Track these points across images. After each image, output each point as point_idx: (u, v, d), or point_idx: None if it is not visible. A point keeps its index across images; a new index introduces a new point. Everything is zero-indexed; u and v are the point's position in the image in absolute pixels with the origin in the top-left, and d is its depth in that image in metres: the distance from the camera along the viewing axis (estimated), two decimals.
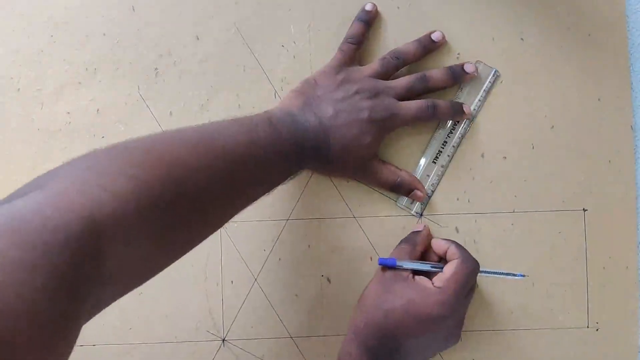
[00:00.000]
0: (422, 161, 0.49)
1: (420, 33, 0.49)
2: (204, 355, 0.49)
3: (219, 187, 0.36)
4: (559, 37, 0.49)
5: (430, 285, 0.41)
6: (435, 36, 0.48)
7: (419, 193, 0.48)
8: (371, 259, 0.49)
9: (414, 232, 0.47)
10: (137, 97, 0.50)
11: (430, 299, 0.40)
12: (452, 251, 0.44)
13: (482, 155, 0.49)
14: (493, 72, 0.49)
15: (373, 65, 0.47)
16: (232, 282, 0.49)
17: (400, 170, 0.48)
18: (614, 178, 0.49)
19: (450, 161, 0.49)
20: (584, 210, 0.49)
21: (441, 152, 0.49)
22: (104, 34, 0.50)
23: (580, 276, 0.49)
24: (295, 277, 0.49)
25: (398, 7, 0.49)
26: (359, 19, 0.48)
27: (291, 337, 0.49)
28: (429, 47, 0.48)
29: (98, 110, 0.50)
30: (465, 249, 0.44)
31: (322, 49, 0.49)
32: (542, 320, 0.49)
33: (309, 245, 0.49)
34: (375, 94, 0.45)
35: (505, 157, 0.49)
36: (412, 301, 0.41)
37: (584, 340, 0.48)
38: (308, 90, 0.46)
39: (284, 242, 0.49)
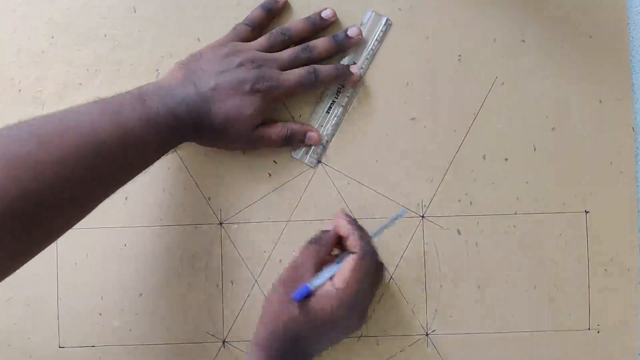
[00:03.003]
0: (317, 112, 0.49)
1: (420, 34, 0.49)
2: (205, 357, 0.48)
3: (81, 177, 0.36)
4: (560, 38, 0.49)
5: (330, 288, 0.40)
6: (325, 14, 0.48)
7: (313, 135, 0.48)
8: None
9: (323, 231, 0.45)
10: None
11: (329, 302, 0.40)
12: (352, 243, 0.42)
13: (484, 157, 0.49)
14: (385, 21, 0.49)
15: (260, 40, 0.48)
16: (232, 283, 0.49)
17: (287, 122, 0.48)
18: (616, 180, 0.49)
19: (344, 112, 0.49)
20: (586, 212, 0.49)
21: (335, 102, 0.49)
22: (105, 35, 0.50)
23: (582, 278, 0.48)
24: None
25: (400, 9, 0.49)
26: (262, 6, 0.49)
27: None
28: (318, 24, 0.48)
29: None
30: (365, 235, 0.42)
31: None
32: (544, 322, 0.48)
33: None
34: (259, 66, 0.45)
35: (506, 159, 0.49)
36: (311, 309, 0.40)
37: (585, 342, 0.48)
38: (191, 63, 0.46)
39: (284, 244, 0.49)
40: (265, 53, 0.47)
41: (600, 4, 0.49)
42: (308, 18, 0.49)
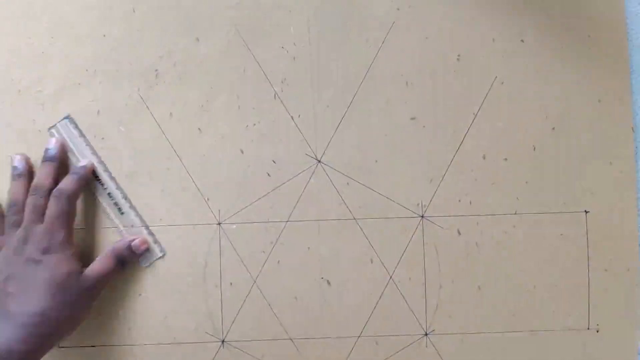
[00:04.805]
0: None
1: (420, 34, 0.49)
2: (203, 357, 0.48)
3: None
4: (559, 38, 0.49)
5: None
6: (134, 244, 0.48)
7: (136, 243, 0.47)
8: (371, 260, 0.49)
9: None
10: (137, 98, 0.50)
11: None
12: None
13: (484, 157, 0.49)
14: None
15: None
16: (231, 283, 0.49)
17: (106, 249, 0.47)
18: (615, 179, 0.49)
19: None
20: (586, 212, 0.49)
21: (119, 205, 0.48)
22: (104, 35, 0.50)
23: (582, 278, 0.48)
24: (294, 280, 0.49)
25: (398, 9, 0.49)
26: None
27: (290, 339, 0.49)
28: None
29: (98, 111, 0.50)
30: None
31: (322, 50, 0.49)
32: (543, 321, 0.48)
33: (308, 247, 0.49)
34: (22, 245, 0.44)
35: (506, 159, 0.49)
36: None
37: (584, 342, 0.48)
38: None
39: (283, 244, 0.49)
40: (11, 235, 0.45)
41: (598, 4, 0.49)
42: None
